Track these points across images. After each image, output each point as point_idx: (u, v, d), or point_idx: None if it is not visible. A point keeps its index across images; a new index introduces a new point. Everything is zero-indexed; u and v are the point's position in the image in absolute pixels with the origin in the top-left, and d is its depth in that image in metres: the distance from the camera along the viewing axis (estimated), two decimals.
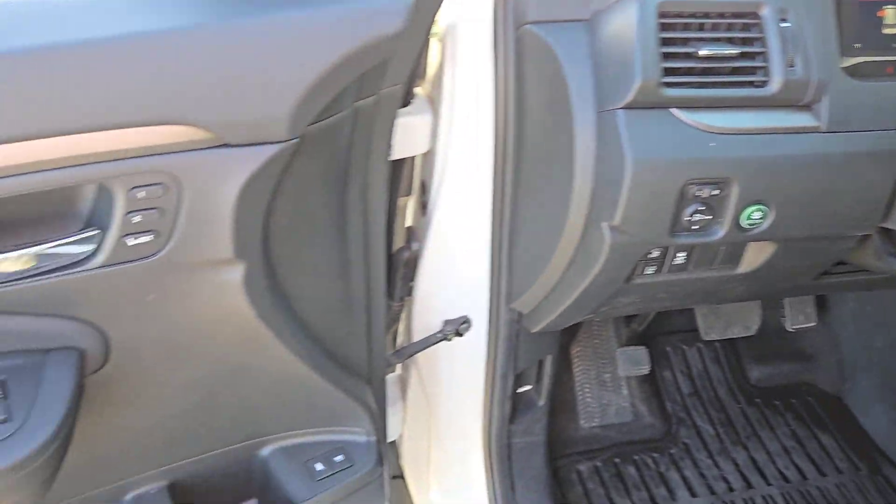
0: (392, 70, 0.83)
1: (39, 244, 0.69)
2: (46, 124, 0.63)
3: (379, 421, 1.03)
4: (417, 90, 1.06)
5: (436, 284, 1.17)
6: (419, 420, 1.36)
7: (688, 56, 0.85)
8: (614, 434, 1.62)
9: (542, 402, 1.41)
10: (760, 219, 0.89)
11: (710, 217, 0.88)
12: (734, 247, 0.97)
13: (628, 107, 0.83)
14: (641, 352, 1.61)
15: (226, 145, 0.70)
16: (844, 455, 1.60)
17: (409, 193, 1.20)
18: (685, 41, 0.85)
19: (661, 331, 1.74)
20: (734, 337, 1.69)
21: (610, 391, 1.65)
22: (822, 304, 1.71)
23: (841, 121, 0.87)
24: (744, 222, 0.89)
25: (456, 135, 1.02)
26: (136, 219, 0.70)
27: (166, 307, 0.77)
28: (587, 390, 1.64)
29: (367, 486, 1.01)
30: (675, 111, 0.84)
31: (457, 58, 0.97)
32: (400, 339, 1.32)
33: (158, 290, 0.76)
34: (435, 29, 0.95)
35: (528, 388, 1.38)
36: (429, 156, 1.08)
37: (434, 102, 1.04)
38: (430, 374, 1.28)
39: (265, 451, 1.00)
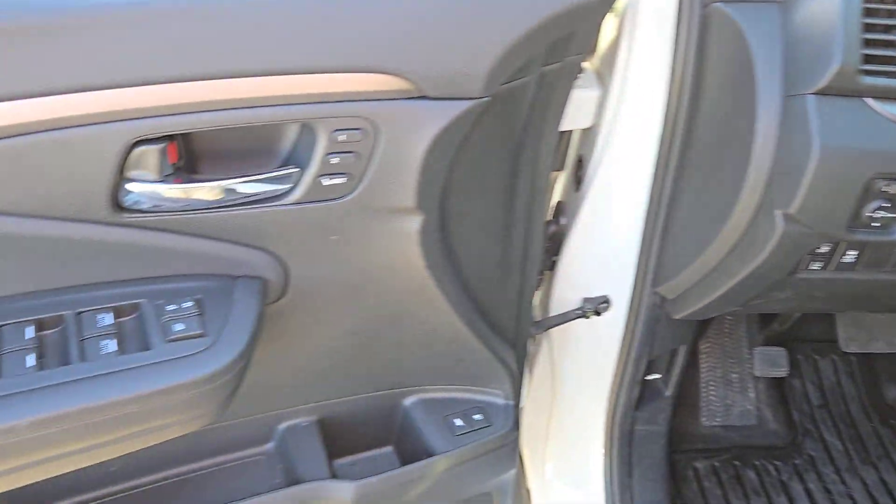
0: (578, 39, 0.84)
1: (243, 177, 0.74)
2: (263, 64, 0.67)
3: (518, 385, 1.05)
4: (585, 65, 1.06)
5: (580, 261, 1.17)
6: (542, 393, 1.37)
7: (889, 44, 0.81)
8: (736, 436, 1.58)
9: (668, 392, 1.40)
10: None
11: (894, 215, 0.85)
12: None
13: (820, 93, 0.81)
14: (780, 353, 1.56)
15: (424, 97, 0.73)
16: None
17: (561, 168, 1.21)
18: (888, 28, 0.82)
19: (795, 337, 1.68)
20: (874, 352, 1.61)
21: (735, 392, 1.61)
22: None
23: None
24: None
25: (624, 111, 1.01)
26: (334, 160, 0.74)
27: (345, 248, 0.82)
28: (712, 388, 1.60)
29: (502, 447, 1.03)
30: (869, 101, 0.81)
31: (635, 33, 0.96)
32: (534, 312, 1.33)
33: (341, 231, 0.80)
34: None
35: (657, 376, 1.37)
36: (590, 131, 1.08)
37: (602, 77, 1.04)
38: (560, 350, 1.29)
39: (407, 401, 1.04)
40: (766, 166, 0.86)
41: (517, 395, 1.06)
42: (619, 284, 1.17)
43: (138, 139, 0.67)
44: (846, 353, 1.65)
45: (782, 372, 1.56)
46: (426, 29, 0.71)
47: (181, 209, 0.73)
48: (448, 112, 0.74)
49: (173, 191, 0.72)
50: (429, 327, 0.93)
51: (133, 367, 0.70)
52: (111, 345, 0.71)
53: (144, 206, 0.72)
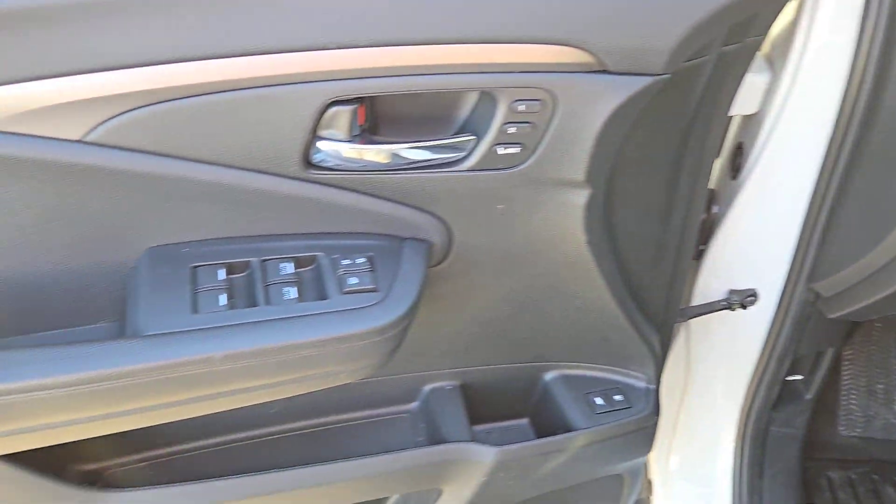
0: (759, 21, 0.82)
1: (421, 141, 0.77)
2: (452, 32, 0.69)
3: (660, 370, 1.04)
4: None
5: (730, 252, 1.14)
6: (672, 382, 1.36)
7: None
8: (876, 449, 1.51)
9: (809, 395, 1.35)
10: None
11: None
12: None
13: None
14: None
15: (605, 71, 0.73)
16: None
17: (717, 155, 1.18)
18: None
19: None
20: None
21: (879, 403, 1.53)
22: None
23: None
24: None
25: (794, 99, 0.98)
26: (511, 130, 0.75)
27: (509, 218, 0.84)
28: (853, 397, 1.53)
29: (640, 430, 1.03)
30: None
31: (816, 15, 0.93)
32: None
33: (507, 201, 0.82)
34: None
35: (798, 377, 1.32)
36: (753, 118, 1.05)
37: (772, 62, 1.01)
38: (697, 340, 1.27)
39: (548, 375, 1.05)
40: None
41: (658, 379, 1.05)
42: (769, 278, 1.14)
43: (333, 100, 0.71)
44: None
45: None
46: (613, 2, 0.71)
47: (362, 169, 0.77)
48: (628, 87, 0.74)
49: (358, 151, 0.76)
50: (579, 302, 0.94)
51: (312, 315, 0.74)
52: (292, 292, 0.76)
53: (330, 164, 0.76)
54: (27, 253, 0.73)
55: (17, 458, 0.79)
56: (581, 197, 0.81)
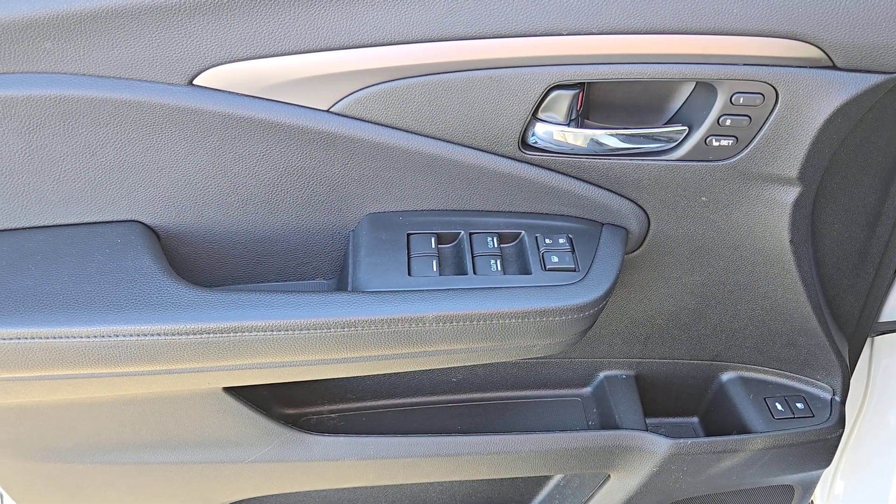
0: None
1: (633, 129, 0.79)
2: (679, 22, 0.71)
3: (847, 382, 1.01)
4: None
5: None
6: (850, 399, 1.30)
7: None
8: None
9: None
10: None
11: None
12: None
13: None
14: None
15: (832, 67, 0.73)
16: None
17: None
18: None
19: None
20: None
21: None
22: None
23: None
24: None
25: None
26: (727, 122, 0.76)
27: (712, 210, 0.84)
28: None
29: (821, 441, 1.00)
30: None
31: None
32: None
33: (713, 193, 0.82)
34: None
35: None
36: None
37: None
38: (882, 356, 1.21)
39: (725, 375, 1.04)
40: None
41: (845, 391, 1.02)
42: None
43: (556, 84, 0.75)
44: None
45: None
46: None
47: (573, 153, 0.80)
48: (856, 85, 0.73)
49: (572, 135, 0.79)
50: (771, 303, 0.93)
51: (516, 287, 0.79)
52: (497, 264, 0.81)
53: (544, 146, 0.80)
54: (265, 207, 0.82)
55: (238, 393, 0.88)
56: (790, 194, 0.81)
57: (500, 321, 0.78)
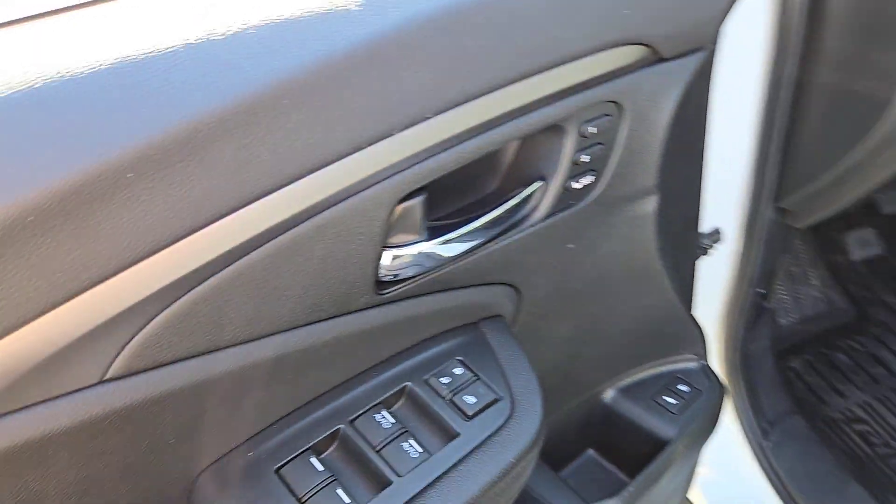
0: None
1: (492, 211, 0.63)
2: (522, 66, 0.56)
3: (705, 343, 1.00)
4: None
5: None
6: None
7: None
8: (813, 327, 1.61)
9: (769, 304, 1.39)
10: None
11: None
12: None
13: None
14: (870, 232, 1.60)
15: (661, 60, 0.64)
16: None
17: None
18: None
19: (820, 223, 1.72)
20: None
21: (800, 284, 1.63)
22: None
23: None
24: None
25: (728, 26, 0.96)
26: (584, 158, 0.64)
27: (579, 252, 0.72)
28: (778, 286, 1.62)
29: (714, 409, 0.97)
30: None
31: None
32: None
33: (578, 236, 0.70)
34: None
35: (762, 292, 1.36)
36: None
37: None
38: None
39: (607, 396, 0.96)
40: None
41: (706, 352, 1.00)
42: (729, 208, 1.13)
43: (400, 198, 0.54)
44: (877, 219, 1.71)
45: (877, 249, 1.60)
46: None
47: (437, 267, 0.61)
48: (686, 70, 0.65)
49: (430, 249, 0.59)
50: (639, 304, 0.85)
51: (462, 462, 0.58)
52: (413, 445, 0.59)
53: (402, 275, 0.59)
54: None
55: None
56: (651, 203, 0.72)
57: None
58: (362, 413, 0.61)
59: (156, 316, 0.46)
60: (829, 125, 0.98)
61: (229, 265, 0.48)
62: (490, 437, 0.60)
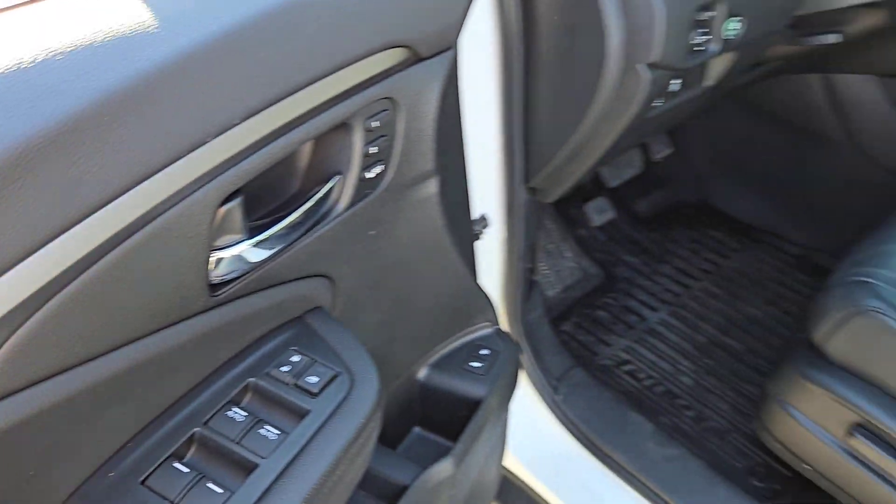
0: None
1: (302, 205, 0.69)
2: (308, 74, 0.63)
3: (494, 308, 1.12)
4: None
5: None
6: None
7: None
8: (575, 293, 1.85)
9: (536, 277, 1.58)
10: (736, 30, 1.12)
11: (708, 37, 1.09)
12: (702, 65, 1.20)
13: None
14: (603, 201, 1.85)
15: (421, 59, 0.75)
16: (733, 235, 2.00)
17: None
18: None
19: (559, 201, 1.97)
20: (627, 179, 1.99)
21: (556, 258, 1.86)
22: (672, 135, 2.07)
23: None
24: (726, 34, 1.11)
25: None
26: (372, 149, 0.72)
27: (380, 238, 0.80)
28: (541, 264, 1.83)
29: (514, 367, 1.10)
30: None
31: None
32: None
33: (377, 222, 0.79)
34: None
35: (529, 266, 1.54)
36: None
37: None
38: None
39: (421, 374, 1.05)
40: (620, 33, 1.03)
41: (497, 318, 1.13)
42: (490, 194, 1.28)
43: (221, 201, 0.59)
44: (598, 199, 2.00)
45: (611, 213, 1.86)
46: None
47: (260, 263, 0.66)
48: (442, 66, 0.77)
49: (254, 247, 0.64)
50: (436, 281, 0.95)
51: (318, 433, 0.63)
52: (270, 430, 0.63)
53: (231, 276, 0.63)
54: None
55: None
56: (432, 186, 0.83)
57: (337, 474, 0.62)
58: (214, 414, 0.64)
59: (2, 344, 0.47)
60: (554, 110, 1.17)
61: (68, 284, 0.50)
62: (338, 407, 0.66)
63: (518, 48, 1.11)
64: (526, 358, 1.48)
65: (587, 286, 1.87)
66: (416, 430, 1.08)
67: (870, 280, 1.17)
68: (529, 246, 1.46)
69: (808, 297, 1.78)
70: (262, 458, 0.61)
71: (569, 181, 1.28)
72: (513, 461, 1.48)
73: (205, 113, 0.55)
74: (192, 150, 0.54)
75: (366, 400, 0.67)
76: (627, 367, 1.67)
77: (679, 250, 1.96)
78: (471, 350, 1.08)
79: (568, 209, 1.97)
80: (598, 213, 1.91)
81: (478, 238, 1.28)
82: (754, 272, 1.90)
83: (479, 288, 1.05)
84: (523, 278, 1.42)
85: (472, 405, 1.02)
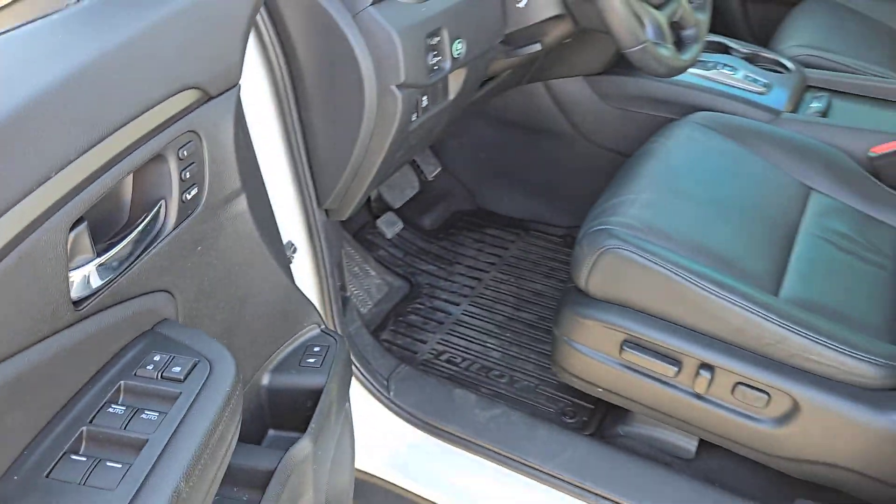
0: None
1: (137, 225, 0.81)
2: (115, 118, 0.77)
3: (316, 310, 1.27)
4: None
5: None
6: None
7: None
8: (386, 305, 2.03)
9: (348, 293, 1.75)
10: (461, 49, 1.39)
11: (440, 57, 1.35)
12: (444, 81, 1.45)
13: (374, 3, 1.23)
14: (392, 215, 2.05)
15: (212, 97, 0.90)
16: (508, 230, 2.30)
17: None
18: None
19: (351, 227, 2.17)
20: (409, 198, 2.23)
21: (363, 277, 2.04)
22: (438, 155, 2.35)
23: None
24: (454, 54, 1.37)
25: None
26: (186, 175, 0.86)
27: (206, 253, 0.94)
28: (351, 287, 2.00)
29: (348, 354, 1.26)
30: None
31: None
32: None
33: (202, 238, 0.92)
34: None
35: (339, 283, 1.70)
36: None
37: None
38: None
39: (264, 380, 1.17)
40: (370, 62, 1.25)
41: (321, 318, 1.28)
42: (293, 220, 1.44)
43: (69, 226, 0.71)
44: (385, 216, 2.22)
45: (400, 225, 2.08)
46: (203, 43, 0.87)
47: (111, 279, 0.77)
48: (230, 101, 0.93)
49: (103, 266, 0.76)
50: (263, 290, 1.09)
51: (192, 406, 0.75)
52: (150, 414, 0.75)
53: (89, 291, 0.74)
54: None
55: None
56: (243, 202, 0.97)
57: (214, 436, 0.75)
58: (97, 413, 0.74)
59: None
60: (331, 136, 1.36)
61: None
62: (204, 384, 0.78)
63: (285, 86, 1.29)
64: (354, 367, 1.64)
65: (395, 297, 2.07)
66: (271, 432, 1.20)
67: (606, 227, 1.47)
68: (336, 264, 1.63)
69: None
70: (150, 434, 0.72)
71: (357, 197, 1.47)
72: (364, 463, 1.62)
73: (45, 154, 0.67)
74: (41, 184, 0.66)
75: (227, 374, 0.80)
76: (445, 356, 1.89)
77: (466, 251, 2.23)
78: (304, 350, 1.22)
79: (364, 235, 2.17)
80: (389, 225, 2.13)
81: (290, 262, 1.43)
82: (531, 256, 2.21)
83: (302, 293, 1.20)
84: (336, 295, 1.58)
85: (316, 395, 1.16)
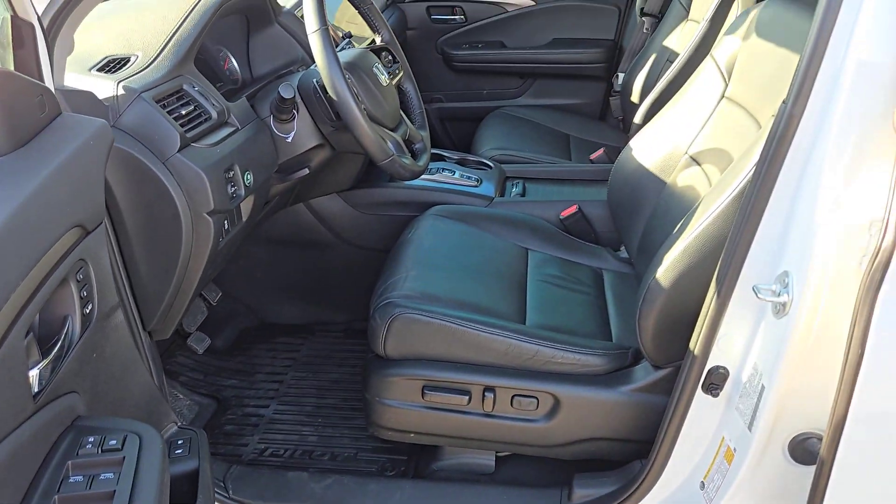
0: None
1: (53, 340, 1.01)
2: (32, 257, 0.98)
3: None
4: None
5: None
6: None
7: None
8: (199, 423, 2.18)
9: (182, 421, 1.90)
10: (250, 179, 1.71)
11: (236, 187, 1.65)
12: (238, 207, 1.75)
13: (180, 150, 1.52)
14: (199, 333, 2.21)
15: (89, 232, 1.13)
16: (295, 335, 2.57)
17: None
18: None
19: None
20: (201, 322, 2.42)
21: (173, 401, 2.17)
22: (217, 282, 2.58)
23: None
24: (246, 183, 1.69)
25: None
26: (84, 294, 1.07)
27: (100, 360, 1.13)
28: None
29: (207, 440, 1.44)
30: (195, 146, 1.57)
31: None
32: None
33: (95, 346, 1.12)
34: None
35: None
36: None
37: None
38: None
39: None
40: (183, 198, 1.52)
41: (176, 418, 1.46)
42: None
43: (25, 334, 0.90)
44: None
45: (208, 340, 2.25)
46: (79, 188, 1.09)
47: (50, 377, 0.96)
48: (102, 233, 1.16)
49: (47, 365, 0.95)
50: (136, 396, 1.28)
51: (139, 462, 0.96)
52: (106, 475, 0.93)
53: (38, 388, 0.93)
54: None
55: None
56: (120, 314, 1.18)
57: (165, 478, 0.95)
58: (59, 485, 0.91)
59: None
60: (153, 264, 1.58)
61: None
62: (140, 447, 0.99)
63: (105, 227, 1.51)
64: None
65: (207, 414, 2.22)
66: None
67: (390, 300, 1.84)
68: (160, 384, 1.79)
69: (360, 351, 2.44)
70: (114, 486, 0.91)
71: (178, 317, 1.69)
72: None
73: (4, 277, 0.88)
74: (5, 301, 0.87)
75: (155, 438, 1.01)
76: (268, 452, 2.08)
77: (262, 361, 2.46)
78: (172, 444, 1.40)
79: (165, 365, 2.31)
80: (199, 342, 2.30)
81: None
82: (321, 352, 2.51)
83: (162, 397, 1.39)
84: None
85: (191, 478, 1.35)
